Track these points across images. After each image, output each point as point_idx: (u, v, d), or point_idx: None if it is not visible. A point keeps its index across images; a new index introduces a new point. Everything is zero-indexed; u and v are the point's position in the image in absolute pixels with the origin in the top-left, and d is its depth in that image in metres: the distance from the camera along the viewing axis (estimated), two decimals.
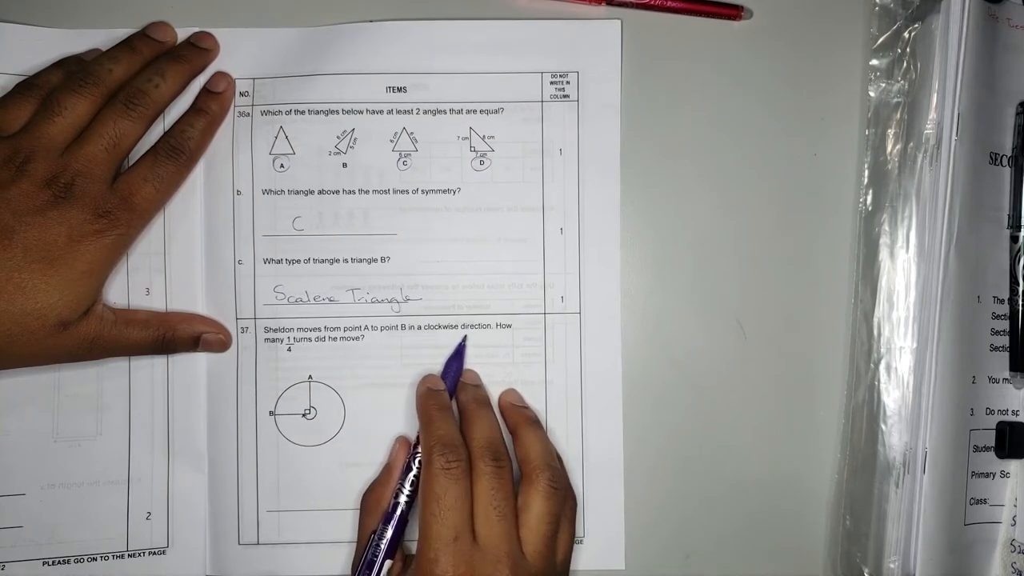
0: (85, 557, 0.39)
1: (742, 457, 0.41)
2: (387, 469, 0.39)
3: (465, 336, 0.40)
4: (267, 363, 0.40)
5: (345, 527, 0.40)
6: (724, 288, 0.41)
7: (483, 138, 0.41)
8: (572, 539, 0.37)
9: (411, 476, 0.37)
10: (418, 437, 0.37)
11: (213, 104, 0.39)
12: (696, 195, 0.41)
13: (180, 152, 0.38)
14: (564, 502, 0.36)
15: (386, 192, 0.40)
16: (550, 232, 0.41)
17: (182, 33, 0.40)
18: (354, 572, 0.37)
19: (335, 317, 0.40)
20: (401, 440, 0.40)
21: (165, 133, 0.38)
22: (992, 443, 0.39)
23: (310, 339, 0.40)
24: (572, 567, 0.40)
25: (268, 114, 0.40)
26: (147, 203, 0.37)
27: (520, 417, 0.39)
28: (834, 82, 0.42)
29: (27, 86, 0.37)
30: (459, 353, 0.40)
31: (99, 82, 0.36)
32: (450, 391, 0.39)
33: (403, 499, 0.37)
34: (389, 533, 0.36)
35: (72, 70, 0.37)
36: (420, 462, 0.37)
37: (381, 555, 0.36)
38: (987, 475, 0.39)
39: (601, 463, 0.41)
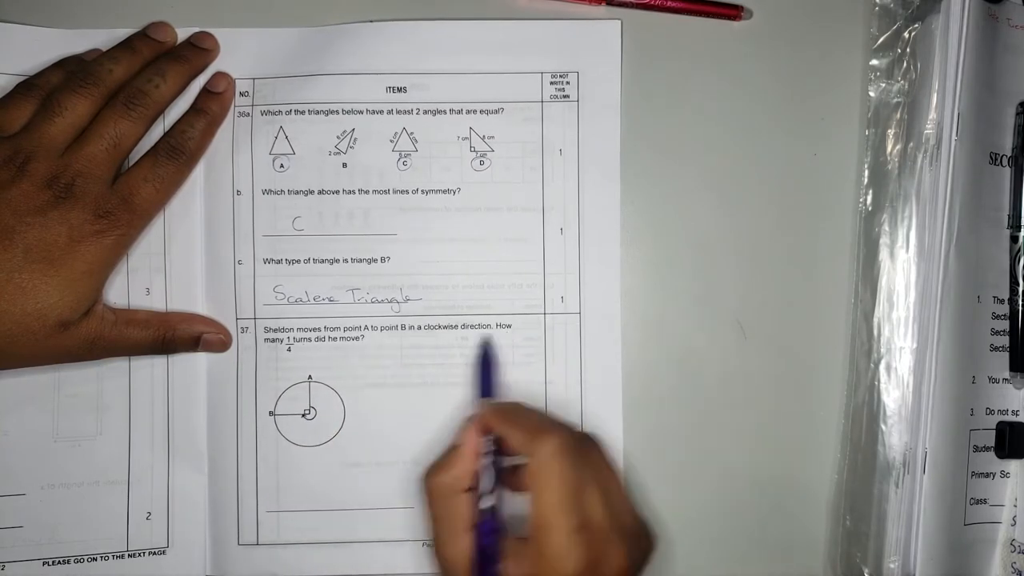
0: (85, 557, 0.39)
1: (742, 457, 0.41)
2: (457, 453, 0.35)
3: (487, 337, 0.39)
4: (267, 363, 0.40)
5: (345, 527, 0.40)
6: (724, 288, 0.41)
7: (483, 138, 0.41)
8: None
9: (493, 469, 0.35)
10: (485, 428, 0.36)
11: (213, 104, 0.39)
12: (696, 195, 0.41)
13: (180, 152, 0.38)
14: None
15: (386, 192, 0.40)
16: (550, 232, 0.41)
17: (182, 33, 0.40)
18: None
19: (335, 317, 0.40)
20: (475, 423, 0.36)
21: (165, 133, 0.38)
22: (992, 443, 0.39)
23: (310, 339, 0.40)
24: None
25: (268, 114, 0.40)
26: (147, 203, 0.37)
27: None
28: (834, 82, 0.42)
29: (27, 86, 0.37)
30: (488, 354, 0.39)
31: (99, 82, 0.36)
32: (495, 394, 0.38)
33: (492, 500, 0.34)
34: (495, 540, 0.33)
35: (72, 70, 0.37)
36: (493, 452, 0.35)
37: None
38: (987, 475, 0.39)
39: None
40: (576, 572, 0.32)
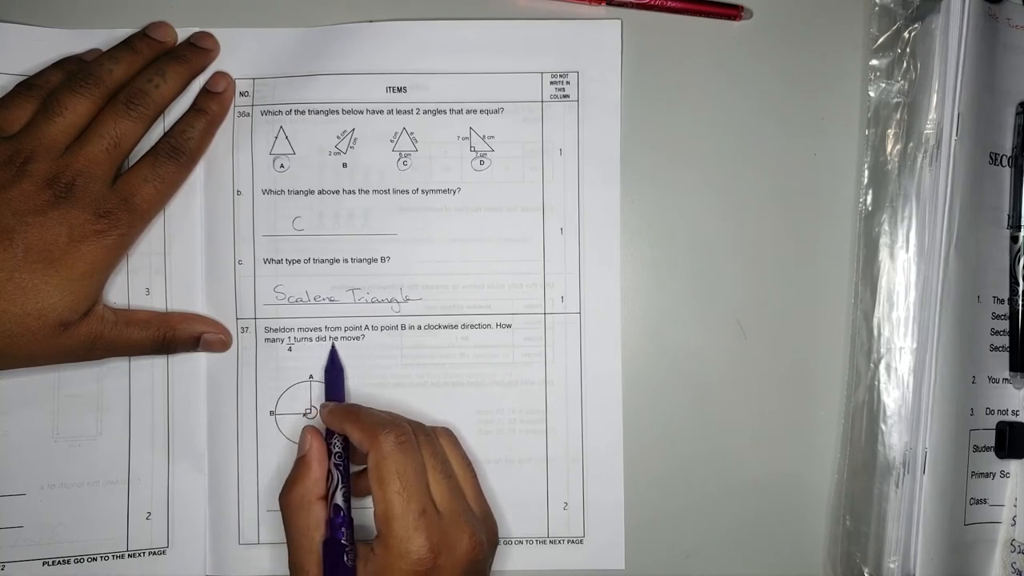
0: (85, 557, 0.39)
1: (742, 457, 0.41)
2: (303, 464, 0.36)
3: (333, 344, 0.40)
4: (267, 363, 0.40)
5: None
6: (724, 288, 0.41)
7: (483, 138, 0.41)
8: None
9: (339, 469, 0.36)
10: (328, 431, 0.38)
11: (213, 104, 0.39)
12: (696, 195, 0.41)
13: (180, 152, 0.38)
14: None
15: (386, 192, 0.40)
16: (550, 232, 0.41)
17: (182, 33, 0.40)
18: None
19: (335, 317, 0.40)
20: (311, 431, 0.37)
21: (165, 133, 0.38)
22: (992, 443, 0.39)
23: (310, 339, 0.40)
24: (571, 567, 0.41)
25: (268, 114, 0.40)
26: (148, 203, 0.37)
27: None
28: (834, 82, 0.42)
29: (27, 86, 0.37)
30: (334, 360, 0.40)
31: (99, 82, 0.36)
32: (341, 398, 0.40)
33: (341, 497, 0.35)
34: (345, 535, 0.35)
35: (72, 70, 0.37)
36: (340, 452, 0.37)
37: (351, 560, 0.34)
38: (987, 475, 0.39)
39: (601, 463, 0.41)
40: (422, 556, 0.33)
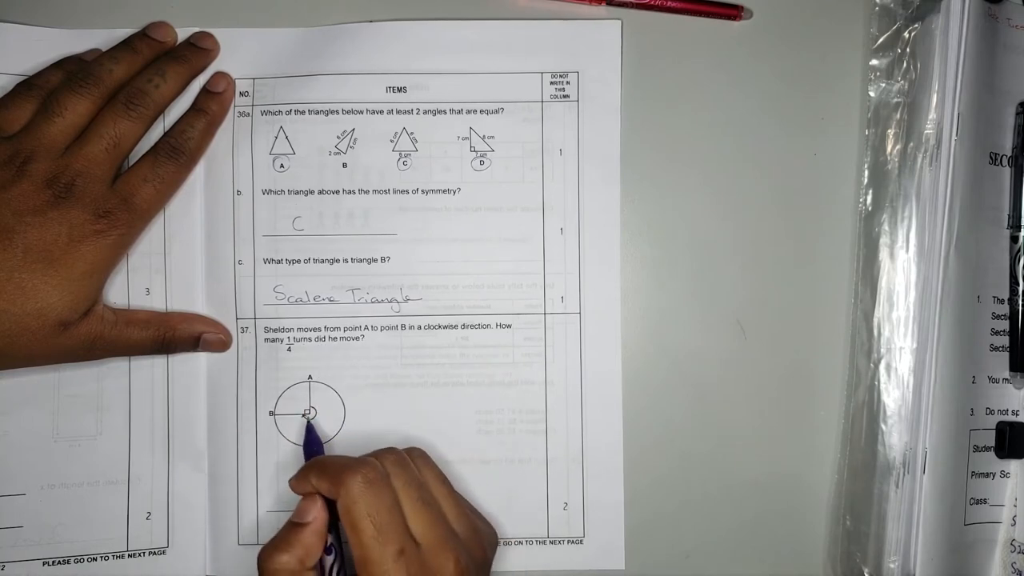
0: (85, 557, 0.39)
1: (742, 457, 0.41)
2: (297, 531, 0.33)
3: (308, 420, 0.40)
4: (267, 363, 0.40)
5: None
6: (724, 288, 0.41)
7: (483, 138, 0.41)
8: None
9: (336, 547, 0.34)
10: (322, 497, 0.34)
11: (213, 104, 0.39)
12: (696, 195, 0.41)
13: (180, 152, 0.38)
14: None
15: (386, 192, 0.40)
16: (550, 232, 0.41)
17: (182, 33, 0.40)
18: None
19: (335, 317, 0.40)
20: (317, 500, 0.34)
21: (165, 133, 0.38)
22: (992, 443, 0.39)
23: (310, 339, 0.40)
24: (571, 567, 0.41)
25: (268, 114, 0.40)
26: (147, 203, 0.37)
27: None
28: (834, 82, 0.42)
29: (27, 86, 0.37)
30: (311, 435, 0.39)
31: (99, 82, 0.36)
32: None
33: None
34: None
35: (72, 70, 0.37)
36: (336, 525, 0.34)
37: None
38: (987, 475, 0.39)
39: (601, 463, 0.41)
40: None
